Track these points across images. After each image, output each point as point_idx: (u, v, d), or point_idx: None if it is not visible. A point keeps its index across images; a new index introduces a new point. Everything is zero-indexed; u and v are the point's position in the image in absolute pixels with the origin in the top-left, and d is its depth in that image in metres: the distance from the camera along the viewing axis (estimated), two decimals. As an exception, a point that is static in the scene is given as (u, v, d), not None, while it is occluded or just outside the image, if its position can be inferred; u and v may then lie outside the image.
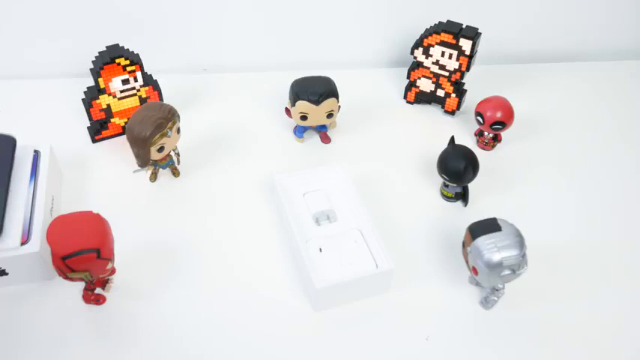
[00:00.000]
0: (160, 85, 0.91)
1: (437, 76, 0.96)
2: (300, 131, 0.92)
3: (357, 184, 0.79)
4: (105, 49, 0.84)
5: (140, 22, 1.00)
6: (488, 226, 0.65)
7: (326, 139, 0.93)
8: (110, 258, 0.64)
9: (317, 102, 0.85)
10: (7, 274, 0.69)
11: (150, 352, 0.66)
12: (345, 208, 0.77)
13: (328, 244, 0.71)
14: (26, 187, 0.73)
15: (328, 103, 0.85)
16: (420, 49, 0.94)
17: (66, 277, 0.63)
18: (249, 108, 0.98)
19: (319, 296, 0.67)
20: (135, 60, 0.85)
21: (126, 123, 0.89)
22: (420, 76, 0.98)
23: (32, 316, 0.68)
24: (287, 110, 0.90)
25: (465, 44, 0.89)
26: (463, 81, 0.96)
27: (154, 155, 0.78)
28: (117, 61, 0.84)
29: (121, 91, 0.88)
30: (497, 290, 0.70)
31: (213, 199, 0.83)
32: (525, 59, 1.12)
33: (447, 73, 0.95)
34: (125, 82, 0.87)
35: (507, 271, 0.64)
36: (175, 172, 0.85)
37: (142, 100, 0.90)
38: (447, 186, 0.83)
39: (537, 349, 0.68)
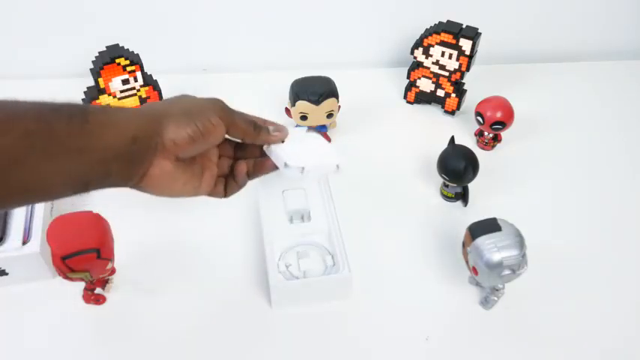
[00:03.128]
0: (160, 85, 0.91)
1: (437, 76, 0.96)
2: (300, 131, 0.92)
3: (357, 183, 0.79)
4: (105, 49, 0.84)
5: (140, 22, 1.00)
6: (488, 226, 0.65)
7: (326, 139, 0.93)
8: (110, 258, 0.64)
9: (317, 102, 0.85)
10: (7, 274, 0.69)
11: (150, 351, 0.66)
12: (320, 210, 0.76)
13: (295, 244, 0.72)
14: (26, 187, 0.73)
15: (328, 103, 0.85)
16: (420, 49, 0.94)
17: (66, 277, 0.63)
18: (249, 108, 0.97)
19: (274, 293, 0.68)
20: (135, 60, 0.85)
21: (126, 123, 0.89)
22: (420, 76, 0.98)
23: (32, 316, 0.68)
24: (287, 110, 0.90)
25: (465, 44, 0.89)
26: (463, 81, 0.96)
27: (154, 155, 0.78)
28: (117, 61, 0.84)
29: (121, 91, 0.88)
30: (497, 290, 0.70)
31: (213, 200, 0.82)
32: (525, 59, 1.12)
33: (447, 73, 0.95)
34: (125, 82, 0.87)
35: (507, 271, 0.64)
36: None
37: (142, 100, 0.90)
38: (447, 186, 0.83)
39: (537, 349, 0.68)
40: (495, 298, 0.70)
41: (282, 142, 0.57)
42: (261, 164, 0.59)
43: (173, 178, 0.50)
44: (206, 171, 0.54)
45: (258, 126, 0.55)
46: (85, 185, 0.45)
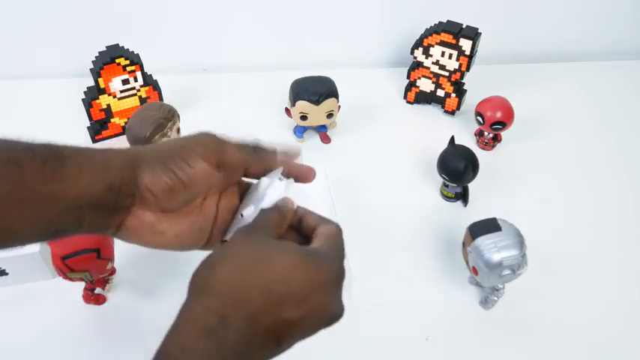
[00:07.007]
0: (160, 85, 0.91)
1: (437, 76, 0.96)
2: (300, 131, 0.92)
3: (357, 183, 0.79)
4: (105, 49, 0.84)
5: (141, 22, 1.00)
6: (488, 226, 0.65)
7: (326, 139, 0.93)
8: (110, 258, 0.64)
9: (317, 102, 0.85)
10: (7, 274, 0.69)
11: (150, 351, 0.66)
12: (320, 210, 0.75)
13: None
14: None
15: (328, 103, 0.85)
16: (420, 49, 0.94)
17: (66, 277, 0.63)
18: (249, 108, 0.98)
19: None
20: (135, 60, 0.85)
21: (126, 123, 0.89)
22: (420, 76, 0.98)
23: (32, 316, 0.68)
24: (287, 110, 0.90)
25: (465, 44, 0.89)
26: (463, 81, 0.96)
27: (154, 155, 0.78)
28: (117, 61, 0.84)
29: (121, 91, 0.88)
30: (497, 290, 0.70)
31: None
32: (525, 59, 1.12)
33: (447, 73, 0.95)
34: (125, 82, 0.87)
35: (507, 271, 0.64)
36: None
37: (142, 100, 0.90)
38: (447, 186, 0.83)
39: (537, 349, 0.68)
40: (495, 298, 0.70)
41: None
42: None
43: (156, 231, 0.44)
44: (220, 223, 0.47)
45: (258, 148, 0.45)
46: (54, 233, 0.41)
